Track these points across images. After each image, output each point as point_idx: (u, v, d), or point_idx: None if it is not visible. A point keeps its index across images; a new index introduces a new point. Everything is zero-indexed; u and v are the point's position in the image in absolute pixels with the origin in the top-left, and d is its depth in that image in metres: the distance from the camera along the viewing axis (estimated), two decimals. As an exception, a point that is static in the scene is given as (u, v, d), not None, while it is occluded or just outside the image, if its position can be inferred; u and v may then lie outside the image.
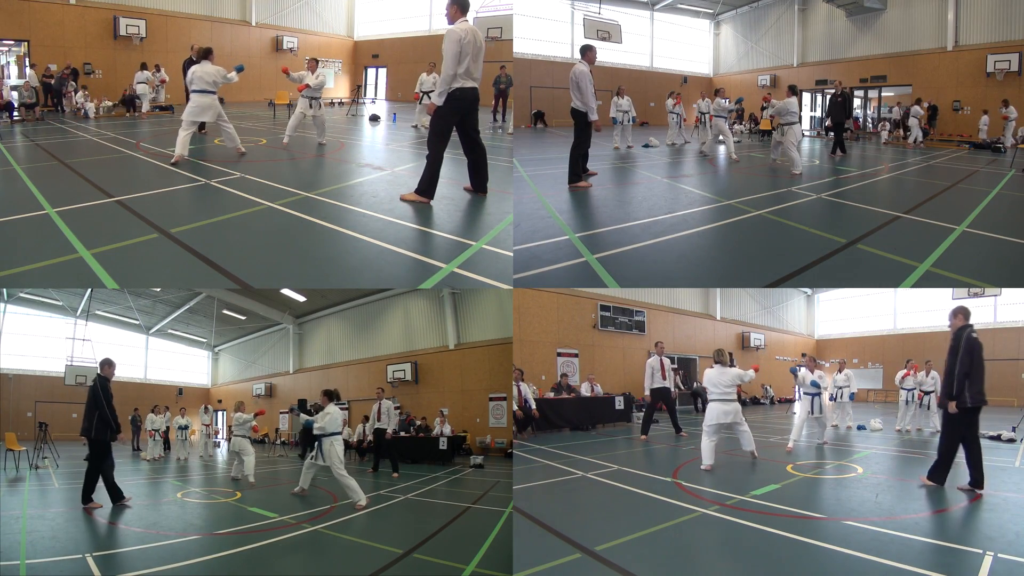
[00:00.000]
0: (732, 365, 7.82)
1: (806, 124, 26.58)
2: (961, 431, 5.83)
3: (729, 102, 16.01)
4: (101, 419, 6.84)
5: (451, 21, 7.09)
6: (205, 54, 10.13)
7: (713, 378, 7.58)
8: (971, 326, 5.87)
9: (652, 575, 3.96)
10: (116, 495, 7.01)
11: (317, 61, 12.41)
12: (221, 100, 10.43)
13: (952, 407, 5.80)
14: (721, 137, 15.20)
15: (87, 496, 6.87)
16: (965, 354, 5.73)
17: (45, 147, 11.76)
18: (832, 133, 16.29)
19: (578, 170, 9.61)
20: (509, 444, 14.07)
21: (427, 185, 7.23)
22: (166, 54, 21.56)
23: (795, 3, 26.56)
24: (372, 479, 10.56)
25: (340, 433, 7.63)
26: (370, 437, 12.11)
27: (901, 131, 21.48)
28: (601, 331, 17.30)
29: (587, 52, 9.49)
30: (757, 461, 7.90)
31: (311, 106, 12.09)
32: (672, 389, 11.23)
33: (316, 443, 7.57)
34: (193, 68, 10.05)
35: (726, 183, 11.24)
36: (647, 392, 10.92)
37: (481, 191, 7.75)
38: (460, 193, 7.82)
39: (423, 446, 13.29)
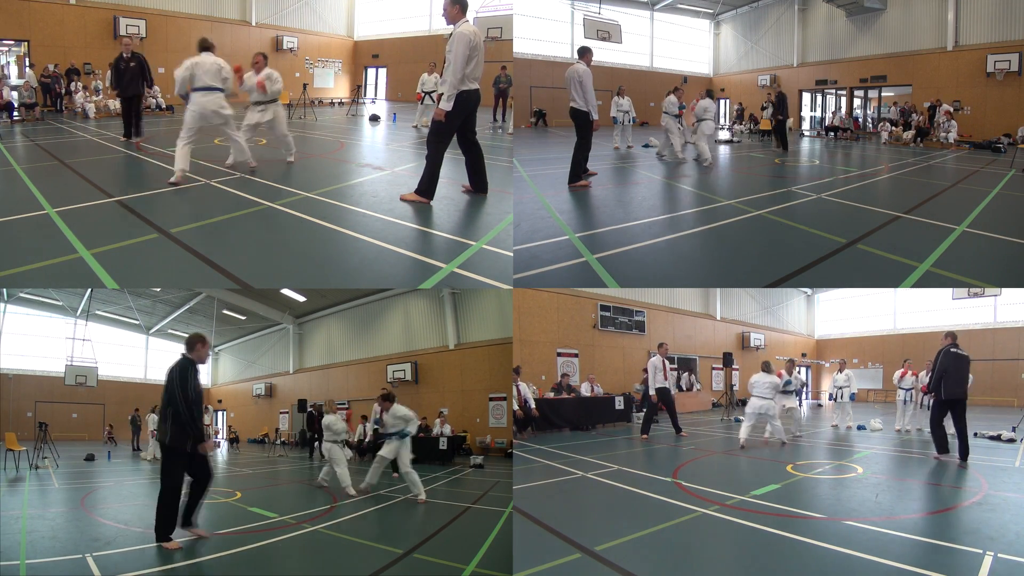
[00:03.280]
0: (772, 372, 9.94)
1: (806, 124, 26.65)
2: (942, 417, 7.93)
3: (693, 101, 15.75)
4: (176, 420, 5.01)
5: (451, 21, 7.02)
6: (207, 46, 8.31)
7: (756, 381, 9.78)
8: (954, 344, 7.73)
9: (652, 575, 3.97)
10: (189, 519, 5.35)
11: (265, 57, 9.64)
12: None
13: (927, 398, 9.00)
14: (670, 138, 14.14)
15: (168, 531, 5.05)
16: (941, 361, 7.70)
17: (45, 147, 11.76)
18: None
19: (578, 170, 9.62)
20: (509, 444, 14.07)
21: (427, 185, 7.22)
22: (166, 54, 21.54)
23: (795, 3, 26.55)
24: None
25: (413, 433, 7.90)
26: (370, 437, 12.09)
27: (901, 130, 21.49)
28: (601, 331, 17.29)
29: (585, 54, 9.54)
30: (757, 461, 7.91)
31: (263, 113, 9.57)
32: (672, 390, 11.25)
33: (385, 440, 7.80)
34: (193, 61, 8.17)
35: (726, 183, 11.24)
36: (652, 392, 10.93)
37: (481, 191, 7.74)
38: (460, 193, 7.81)
39: (423, 446, 13.28)
